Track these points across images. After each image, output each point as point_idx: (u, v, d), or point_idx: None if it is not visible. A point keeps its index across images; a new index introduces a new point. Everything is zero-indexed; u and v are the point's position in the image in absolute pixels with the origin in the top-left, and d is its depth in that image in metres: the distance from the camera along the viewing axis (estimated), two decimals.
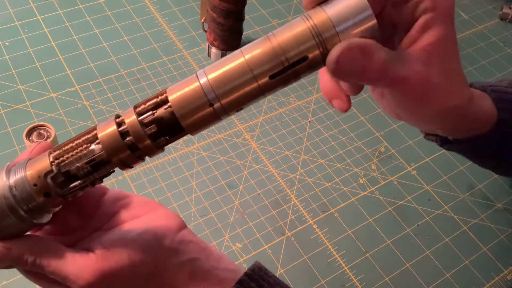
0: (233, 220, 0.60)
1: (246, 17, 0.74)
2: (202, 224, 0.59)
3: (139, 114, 0.31)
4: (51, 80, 0.70)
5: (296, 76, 0.31)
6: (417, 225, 0.62)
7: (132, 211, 0.38)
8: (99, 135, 0.31)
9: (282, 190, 0.63)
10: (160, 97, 0.31)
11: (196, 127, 0.31)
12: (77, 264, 0.33)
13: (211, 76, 0.30)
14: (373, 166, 0.67)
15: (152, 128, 0.30)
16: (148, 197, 0.40)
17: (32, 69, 0.71)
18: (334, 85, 0.37)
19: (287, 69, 0.30)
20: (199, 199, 0.61)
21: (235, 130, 0.68)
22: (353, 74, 0.31)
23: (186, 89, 0.30)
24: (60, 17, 0.78)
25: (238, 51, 0.31)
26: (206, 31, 0.75)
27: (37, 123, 0.56)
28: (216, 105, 0.30)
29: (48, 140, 0.53)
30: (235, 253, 0.57)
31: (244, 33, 0.76)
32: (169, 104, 0.30)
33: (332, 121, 0.71)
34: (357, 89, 0.36)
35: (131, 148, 0.31)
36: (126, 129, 0.30)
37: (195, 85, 0.30)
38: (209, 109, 0.30)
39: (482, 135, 0.42)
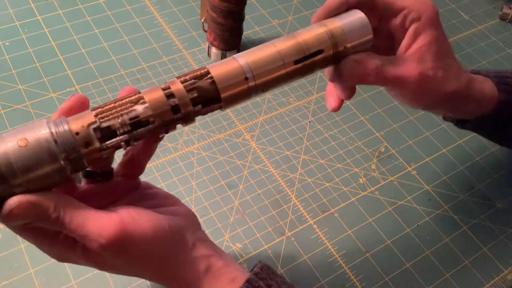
0: (233, 220, 0.60)
1: (246, 17, 0.74)
2: (202, 224, 0.59)
3: (182, 82, 0.35)
4: (51, 80, 0.70)
5: (311, 68, 0.39)
6: (417, 225, 0.62)
7: (156, 201, 0.39)
8: (145, 96, 0.34)
9: (282, 190, 0.63)
10: (200, 72, 0.36)
11: (231, 101, 0.36)
12: (100, 221, 0.33)
13: (250, 59, 0.37)
14: (373, 166, 0.67)
15: (194, 93, 0.35)
16: (160, 188, 0.42)
17: (32, 69, 0.71)
18: (333, 85, 0.46)
19: (307, 58, 0.38)
20: (199, 199, 0.61)
21: (235, 130, 0.68)
22: (356, 79, 0.41)
23: (228, 67, 0.36)
24: (60, 17, 0.78)
25: (269, 43, 0.38)
26: (206, 31, 0.75)
27: None
28: (251, 83, 0.36)
29: None
30: (235, 253, 0.57)
31: (244, 33, 0.76)
32: (210, 75, 0.35)
33: (332, 121, 0.71)
34: (349, 94, 0.44)
35: (173, 110, 0.34)
36: (171, 92, 0.34)
37: (236, 65, 0.36)
38: (245, 86, 0.36)
39: (487, 113, 0.49)
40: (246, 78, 0.36)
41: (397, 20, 0.42)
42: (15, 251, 0.54)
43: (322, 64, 0.39)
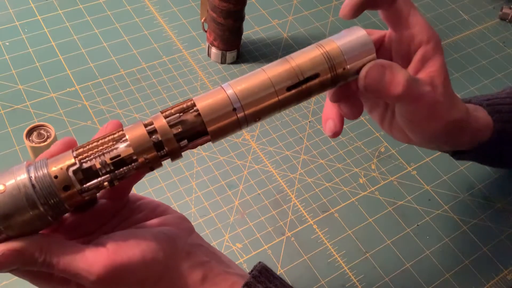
0: (233, 220, 0.60)
1: (246, 17, 0.74)
2: (202, 224, 0.59)
3: (166, 117, 0.33)
4: (51, 80, 0.70)
5: (308, 94, 0.36)
6: (417, 225, 0.62)
7: (145, 212, 0.38)
8: (127, 133, 0.32)
9: (282, 190, 0.63)
10: (186, 104, 0.34)
11: (219, 133, 0.34)
12: (88, 259, 0.32)
13: (238, 88, 0.34)
14: (373, 166, 0.67)
15: (178, 128, 0.33)
16: (148, 197, 0.40)
17: (32, 69, 0.71)
18: (333, 108, 0.42)
19: (301, 84, 0.35)
20: (199, 199, 0.61)
21: None
22: (382, 88, 0.36)
23: (214, 98, 0.34)
24: (60, 17, 0.78)
25: (260, 69, 0.35)
26: (206, 31, 0.75)
27: (37, 123, 0.56)
28: (240, 114, 0.34)
29: (48, 140, 0.53)
30: (235, 253, 0.57)
31: (244, 33, 0.76)
32: (195, 108, 0.33)
33: None
34: (357, 113, 0.41)
35: (157, 147, 0.33)
36: (154, 128, 0.33)
37: (223, 95, 0.34)
38: (234, 117, 0.34)
39: (483, 143, 0.48)
40: (234, 109, 0.34)
41: (402, 41, 0.40)
42: None
43: (319, 89, 0.36)
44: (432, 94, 0.39)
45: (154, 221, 0.37)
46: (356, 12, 0.37)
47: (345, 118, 0.41)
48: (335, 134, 0.42)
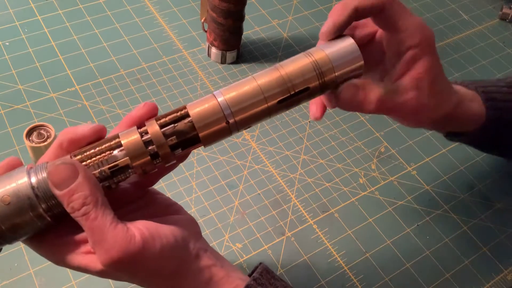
0: (233, 220, 0.60)
1: (246, 17, 0.74)
2: (202, 224, 0.59)
3: (161, 126, 0.34)
4: (51, 80, 0.70)
5: (297, 102, 0.37)
6: (417, 225, 0.62)
7: (159, 207, 0.39)
8: (124, 142, 0.34)
9: (282, 190, 0.63)
10: (180, 112, 0.35)
11: (210, 139, 0.35)
12: (120, 233, 0.32)
13: (228, 95, 0.35)
14: (373, 166, 0.67)
15: (173, 139, 0.34)
16: (164, 194, 0.41)
17: (32, 69, 0.71)
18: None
19: (292, 97, 0.36)
20: (199, 199, 0.61)
21: None
22: (356, 105, 0.39)
23: (206, 105, 0.35)
24: (60, 17, 0.78)
25: (250, 77, 0.36)
26: (206, 31, 0.75)
27: (37, 123, 0.56)
28: (231, 120, 0.35)
29: (48, 141, 0.53)
30: (235, 253, 0.57)
31: (244, 33, 0.76)
32: (190, 119, 0.34)
33: (332, 121, 0.71)
34: (335, 104, 0.42)
35: (152, 156, 0.34)
36: (149, 139, 0.34)
37: (214, 102, 0.35)
38: (224, 124, 0.35)
39: (476, 129, 0.50)
40: (225, 116, 0.35)
41: (392, 41, 0.41)
42: (15, 251, 0.54)
43: (308, 97, 0.38)
44: (415, 98, 0.41)
45: (168, 218, 0.38)
46: (336, 34, 0.39)
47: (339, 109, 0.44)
48: (316, 118, 0.45)
